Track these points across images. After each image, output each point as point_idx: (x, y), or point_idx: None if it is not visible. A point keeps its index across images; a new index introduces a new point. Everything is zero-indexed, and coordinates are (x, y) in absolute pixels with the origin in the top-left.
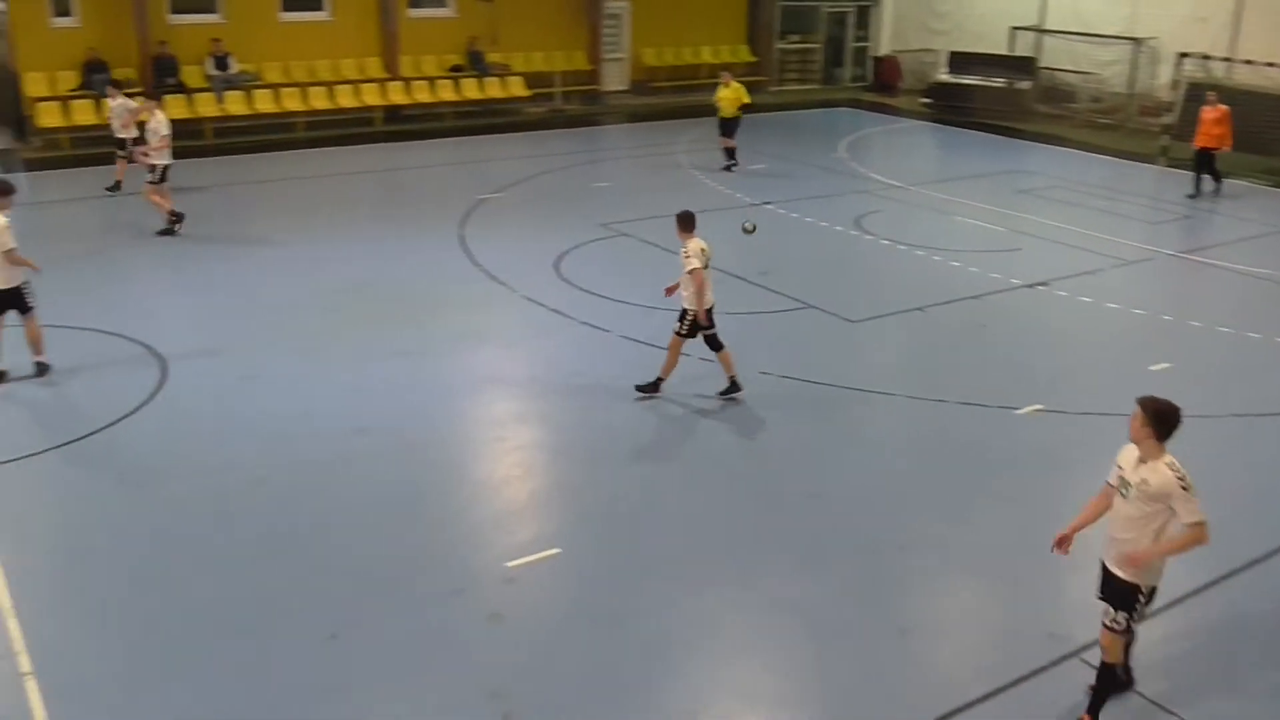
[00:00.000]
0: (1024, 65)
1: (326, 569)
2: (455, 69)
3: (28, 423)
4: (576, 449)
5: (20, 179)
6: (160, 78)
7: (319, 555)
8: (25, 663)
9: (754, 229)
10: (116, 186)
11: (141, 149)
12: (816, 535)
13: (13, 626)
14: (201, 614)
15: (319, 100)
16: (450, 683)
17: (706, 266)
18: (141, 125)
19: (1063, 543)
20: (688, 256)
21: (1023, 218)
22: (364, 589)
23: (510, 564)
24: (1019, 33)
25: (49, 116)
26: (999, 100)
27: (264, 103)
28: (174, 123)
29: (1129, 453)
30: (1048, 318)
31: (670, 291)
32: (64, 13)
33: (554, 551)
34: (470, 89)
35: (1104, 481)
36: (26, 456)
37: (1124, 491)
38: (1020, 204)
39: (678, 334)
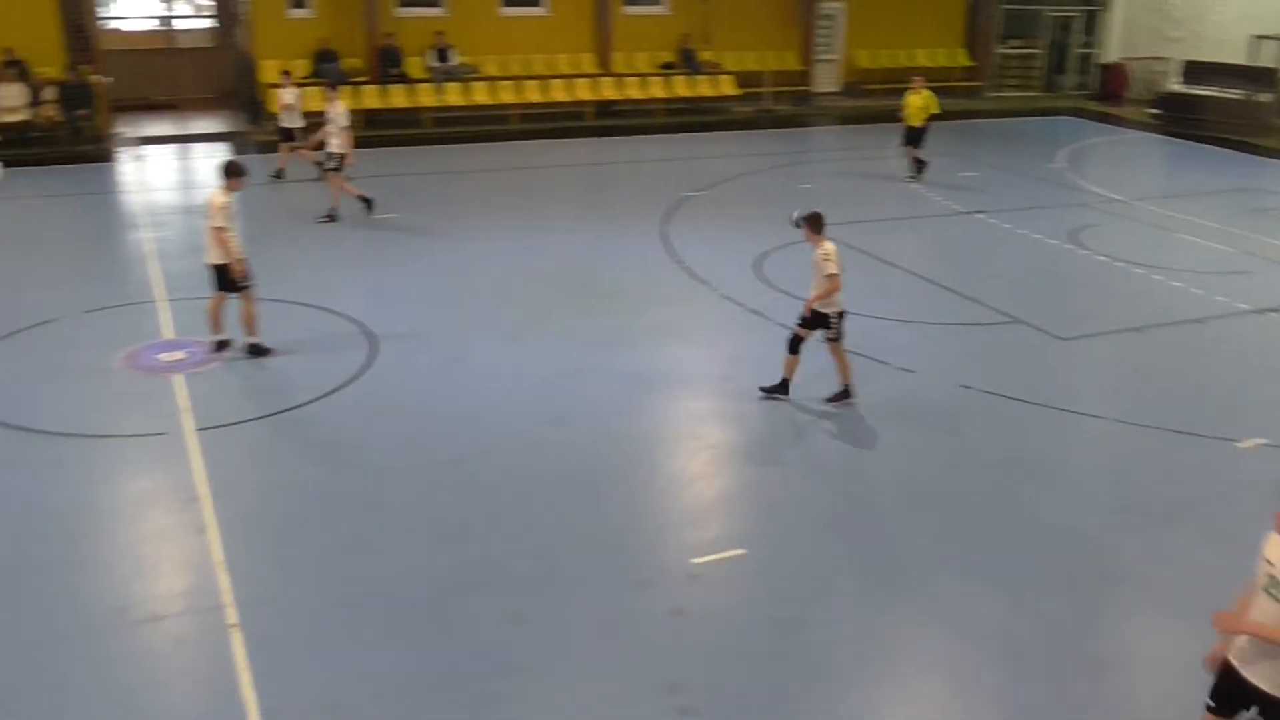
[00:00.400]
0: (1265, 77)
1: (516, 551)
2: (667, 66)
3: (243, 390)
4: (768, 451)
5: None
6: (385, 68)
7: (510, 537)
8: (232, 615)
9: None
10: (279, 174)
11: (316, 138)
12: (1011, 559)
13: (223, 580)
14: (395, 583)
15: (533, 94)
16: (630, 672)
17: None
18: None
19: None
20: (826, 259)
21: (1255, 239)
22: (551, 573)
23: (695, 561)
24: (1263, 42)
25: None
26: (1235, 113)
27: (481, 95)
28: (395, 111)
29: (1277, 545)
30: (1278, 346)
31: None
32: (299, 4)
33: (739, 552)
34: (681, 87)
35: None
36: (242, 422)
37: (1274, 593)
38: (1253, 224)
39: (831, 340)
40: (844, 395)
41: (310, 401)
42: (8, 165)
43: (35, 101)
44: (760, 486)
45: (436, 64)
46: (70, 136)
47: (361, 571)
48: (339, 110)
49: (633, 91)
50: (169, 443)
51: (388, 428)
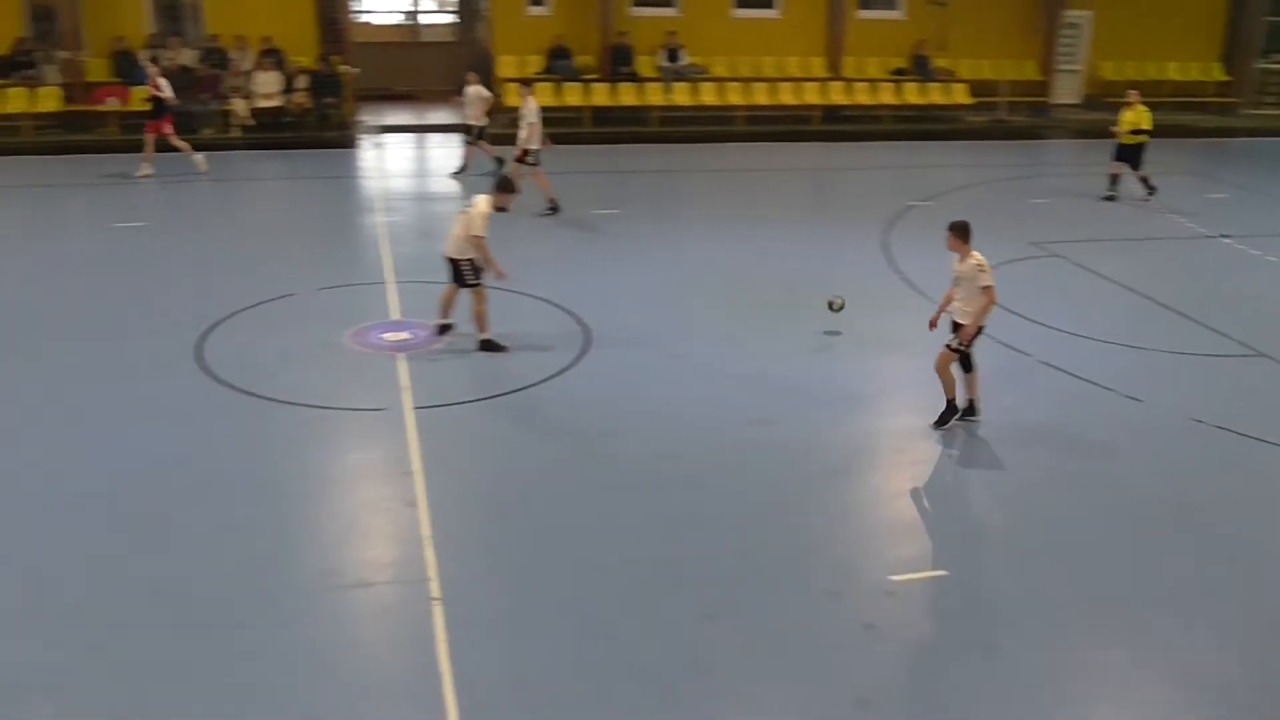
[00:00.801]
0: None
1: (715, 549)
2: (898, 72)
3: (461, 373)
4: (976, 473)
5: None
6: (615, 66)
7: (710, 535)
8: (435, 589)
9: (840, 307)
10: (462, 170)
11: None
12: (1229, 604)
13: (429, 554)
14: (594, 571)
15: (761, 96)
16: (817, 682)
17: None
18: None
19: None
20: (982, 270)
21: None
22: (745, 575)
23: (893, 577)
24: None
25: (514, 96)
26: None
27: (708, 95)
28: (623, 109)
29: None
30: None
31: (935, 325)
32: (538, 2)
33: (940, 573)
34: (911, 94)
35: None
36: (457, 404)
37: None
38: None
39: (952, 349)
40: (969, 411)
41: (526, 388)
42: (262, 148)
43: (289, 89)
44: (965, 508)
45: (666, 64)
46: (318, 122)
47: (562, 557)
48: (531, 106)
49: (862, 97)
50: (388, 418)
51: (599, 420)
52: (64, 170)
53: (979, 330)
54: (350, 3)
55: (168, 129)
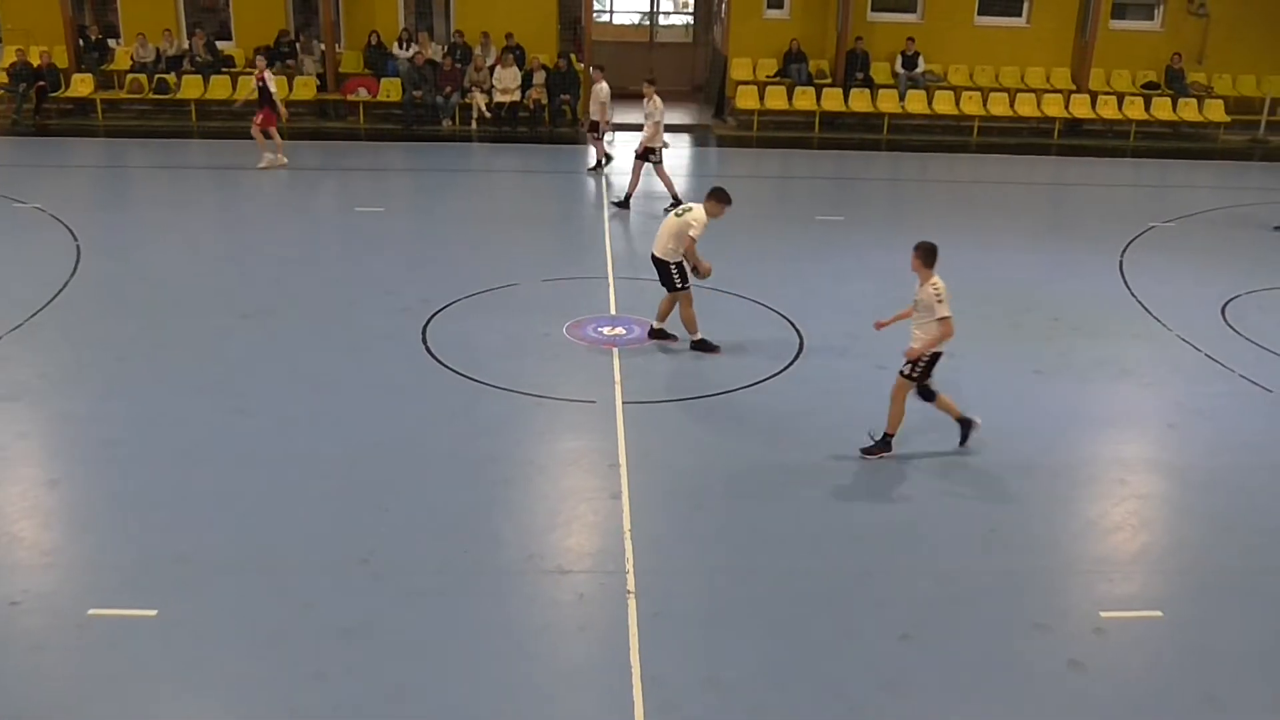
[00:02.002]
0: None
1: (917, 568)
2: (1149, 86)
3: (672, 372)
4: (1206, 511)
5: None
6: (850, 71)
7: (910, 552)
8: (631, 581)
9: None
10: (599, 165)
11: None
12: None
13: (628, 547)
14: (791, 578)
15: (998, 106)
16: (1017, 715)
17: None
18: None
19: None
20: (939, 300)
21: None
22: (946, 597)
23: (1104, 614)
24: None
25: (746, 99)
26: None
27: (944, 104)
28: (856, 115)
29: None
30: None
31: (880, 327)
32: (776, 5)
33: (1155, 614)
34: (1161, 109)
35: None
36: (666, 401)
37: None
38: None
39: (905, 377)
40: (883, 446)
41: (734, 390)
42: (498, 141)
43: (526, 85)
44: (1189, 548)
45: (903, 70)
46: (552, 118)
47: (757, 561)
48: (656, 104)
49: (1107, 111)
50: (598, 411)
51: (805, 425)
52: (315, 155)
53: (934, 357)
54: (593, 2)
55: (266, 120)
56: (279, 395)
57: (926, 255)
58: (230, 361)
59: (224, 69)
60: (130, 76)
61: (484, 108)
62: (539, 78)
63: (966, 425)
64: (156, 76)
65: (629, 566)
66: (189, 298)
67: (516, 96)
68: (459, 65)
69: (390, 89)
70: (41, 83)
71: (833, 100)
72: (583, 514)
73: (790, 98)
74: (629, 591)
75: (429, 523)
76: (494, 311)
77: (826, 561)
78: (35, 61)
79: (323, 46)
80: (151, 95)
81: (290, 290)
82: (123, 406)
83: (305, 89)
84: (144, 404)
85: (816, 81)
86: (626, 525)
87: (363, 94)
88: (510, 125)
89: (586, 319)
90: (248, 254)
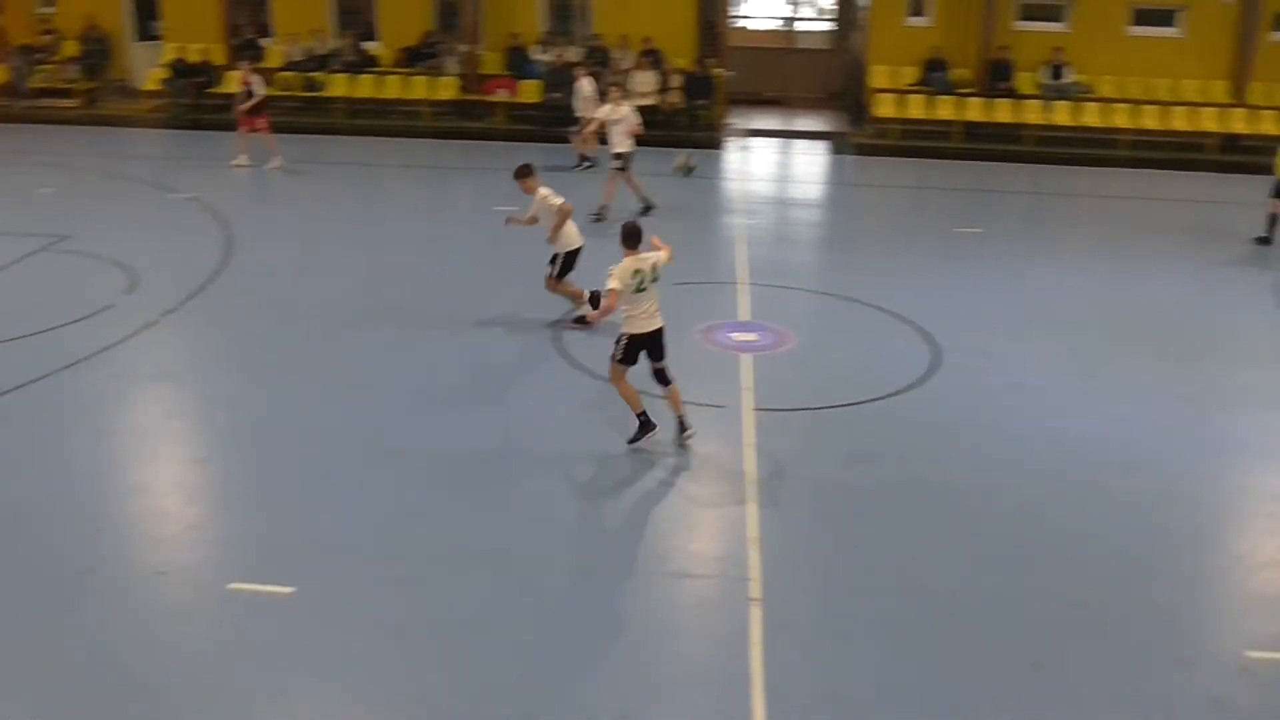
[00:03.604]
0: None
1: (1049, 595)
2: None
3: (804, 380)
4: None
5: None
6: (993, 81)
7: (1045, 578)
8: (755, 589)
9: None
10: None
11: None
12: None
13: (754, 555)
14: (918, 595)
15: (1149, 120)
16: None
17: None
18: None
19: None
20: (611, 275)
21: None
22: (1082, 627)
23: (1251, 654)
24: None
25: (884, 107)
26: None
27: (1091, 116)
28: (997, 126)
29: None
30: None
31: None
32: (918, 12)
33: None
34: None
35: None
36: (797, 409)
37: None
38: None
39: (614, 359)
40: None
41: (866, 402)
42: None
43: (663, 88)
44: None
45: (1049, 80)
46: (688, 123)
47: (884, 577)
48: (623, 112)
49: (1267, 126)
50: (728, 416)
51: (937, 440)
52: (455, 154)
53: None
54: (730, 7)
55: (260, 124)
56: (413, 388)
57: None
58: (365, 354)
59: (369, 69)
60: (281, 74)
61: None
62: (676, 81)
63: (646, 426)
64: (306, 75)
65: (752, 574)
66: (330, 290)
67: (653, 100)
68: (597, 69)
69: (529, 91)
70: (199, 79)
71: (974, 110)
72: (707, 519)
73: (930, 107)
74: (752, 599)
75: (554, 519)
76: None
77: (956, 581)
78: (193, 59)
79: (464, 48)
80: (301, 93)
81: (426, 286)
82: (266, 391)
83: (447, 89)
84: (286, 390)
85: (957, 90)
86: (752, 533)
87: (503, 95)
88: (647, 129)
89: (718, 323)
90: (385, 249)
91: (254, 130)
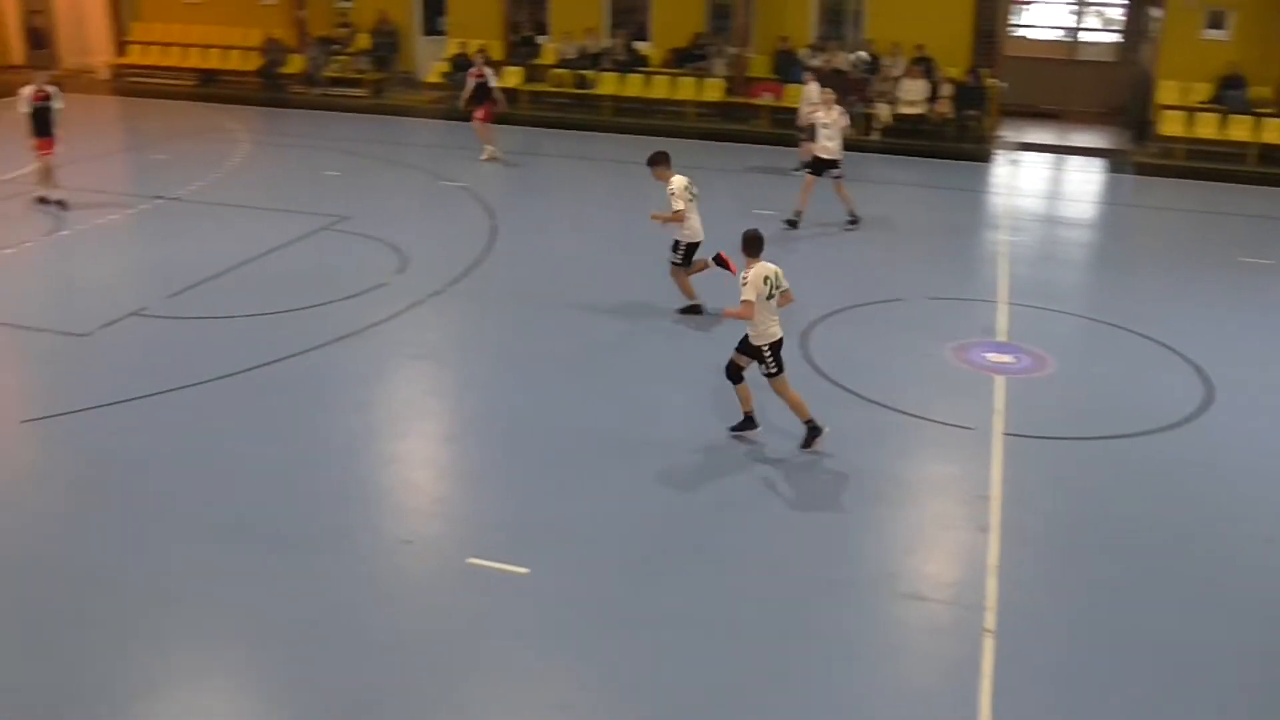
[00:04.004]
0: None
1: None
2: None
3: (1060, 408)
4: None
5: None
6: None
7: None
8: (990, 619)
9: None
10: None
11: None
12: None
13: (992, 584)
14: (1157, 652)
15: None
16: None
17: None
18: None
19: None
20: (745, 284)
21: None
22: None
23: None
24: None
25: (1172, 125)
26: None
27: None
28: None
29: None
30: None
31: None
32: (1216, 25)
33: None
34: None
35: None
36: (1050, 438)
37: None
38: None
39: (768, 376)
40: (812, 435)
41: (1128, 435)
42: (897, 153)
43: (933, 97)
44: None
45: None
46: (956, 133)
47: (1133, 623)
48: (834, 116)
49: None
50: (974, 439)
51: (1201, 483)
52: (717, 155)
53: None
54: (1010, 16)
55: (483, 114)
56: (656, 383)
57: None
58: (613, 346)
59: (639, 68)
60: (554, 71)
61: (887, 119)
62: (946, 90)
63: (749, 422)
64: (577, 72)
65: (989, 604)
66: (586, 282)
67: (922, 109)
68: (866, 75)
69: (795, 95)
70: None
71: (1273, 131)
72: (946, 542)
73: (1223, 126)
74: (985, 630)
75: (788, 526)
76: (875, 325)
77: (1206, 636)
78: (473, 54)
79: (733, 50)
80: (571, 89)
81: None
82: (518, 376)
83: (713, 91)
84: (537, 376)
85: (1255, 110)
86: (991, 561)
87: (768, 98)
88: (911, 138)
89: (973, 342)
90: (642, 245)
91: (482, 120)
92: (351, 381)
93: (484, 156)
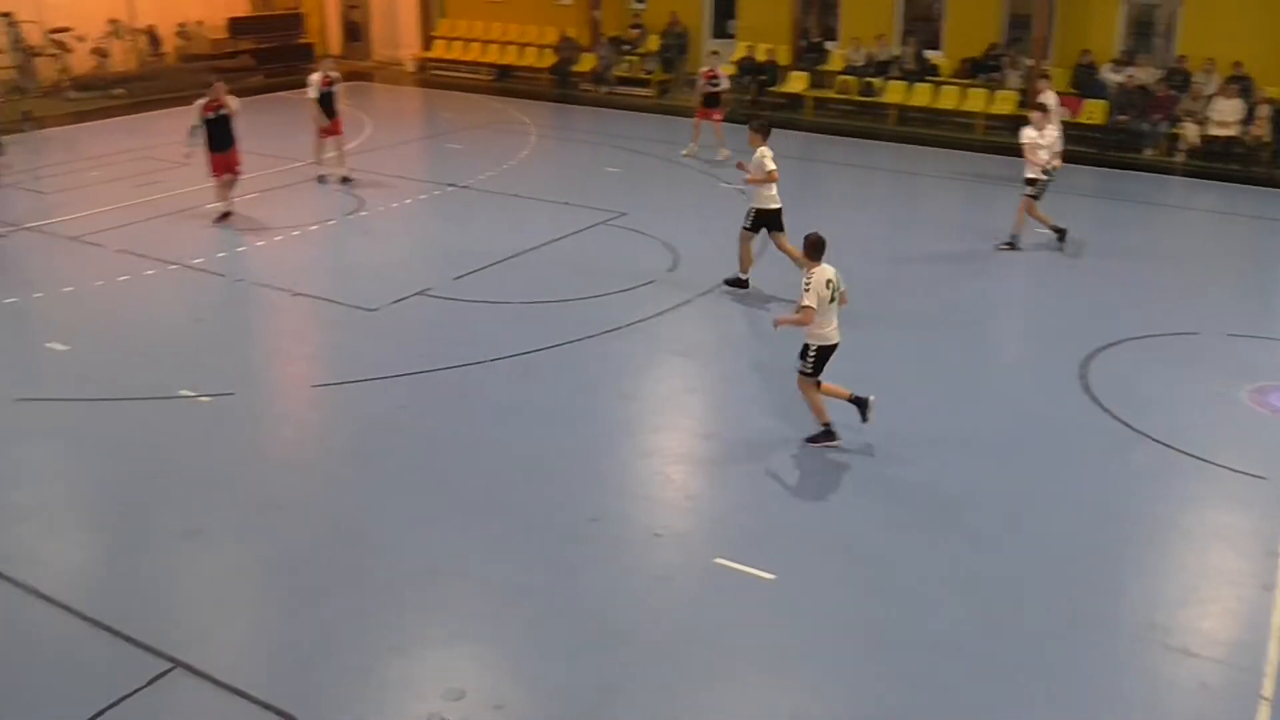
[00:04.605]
0: None
1: None
2: None
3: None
4: None
5: None
6: None
7: None
8: (1268, 687)
9: None
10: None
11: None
12: None
13: (1272, 648)
14: None
15: None
16: None
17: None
18: None
19: None
20: (807, 289)
21: None
22: None
23: None
24: None
25: None
26: None
27: None
28: None
29: None
30: None
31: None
32: None
33: None
34: None
35: None
36: None
37: None
38: None
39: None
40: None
41: None
42: (1203, 177)
43: (1248, 119)
44: None
45: None
46: (1270, 158)
47: None
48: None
49: None
50: (1267, 489)
51: None
52: (999, 168)
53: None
54: None
55: (716, 115)
56: (916, 396)
57: (811, 249)
58: (879, 358)
59: (928, 77)
60: (841, 78)
61: (1194, 140)
62: (1263, 112)
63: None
64: (864, 79)
65: (1269, 669)
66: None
67: (1235, 131)
68: (1174, 92)
69: (1093, 111)
70: (762, 77)
71: None
72: (1224, 597)
73: None
74: (1262, 697)
75: (1044, 562)
76: (1165, 358)
77: None
78: (760, 58)
79: (1029, 62)
80: (857, 97)
81: (950, 300)
82: (776, 381)
83: (1004, 103)
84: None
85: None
86: (1276, 622)
87: (1065, 114)
88: (1221, 161)
89: (1274, 385)
90: (912, 257)
91: (710, 120)
92: (616, 373)
93: (684, 153)
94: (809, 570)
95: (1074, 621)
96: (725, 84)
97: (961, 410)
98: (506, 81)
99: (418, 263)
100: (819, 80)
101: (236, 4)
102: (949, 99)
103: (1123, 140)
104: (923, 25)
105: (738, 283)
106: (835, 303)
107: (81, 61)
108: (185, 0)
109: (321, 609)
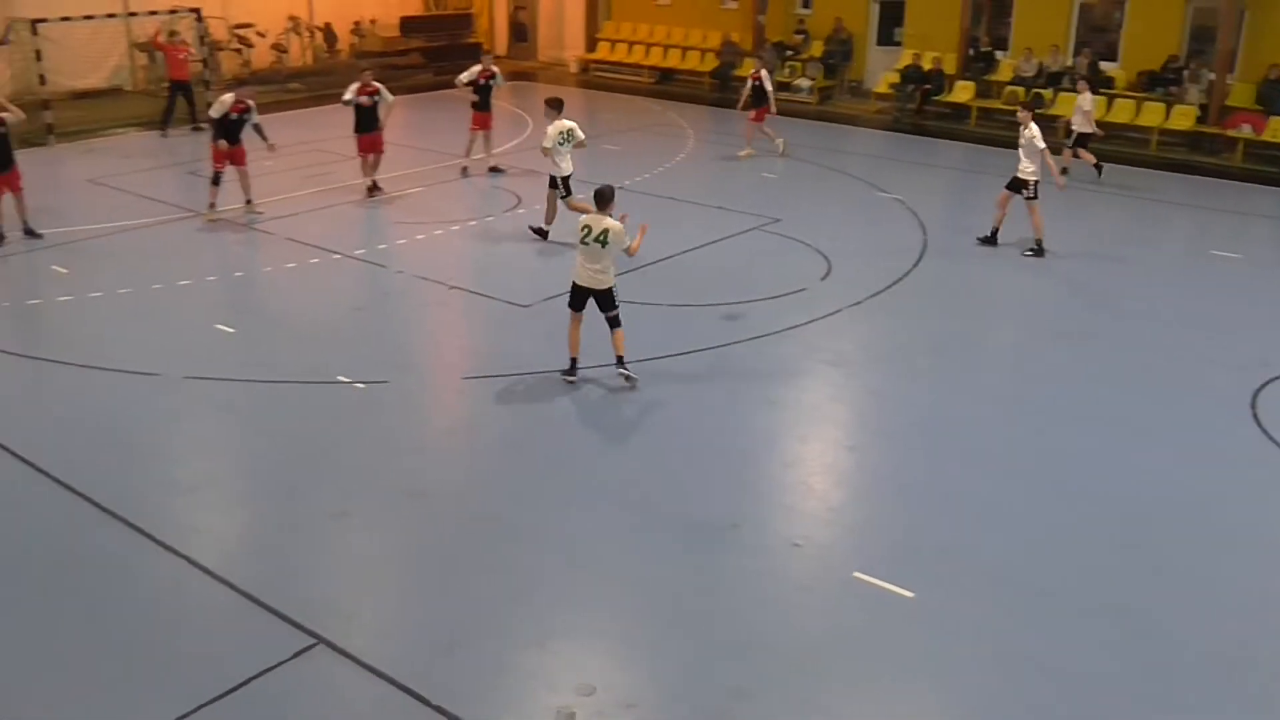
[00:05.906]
0: None
1: None
2: None
3: None
4: None
5: None
6: None
7: None
8: None
9: None
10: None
11: None
12: None
13: None
14: None
15: None
16: None
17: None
18: None
19: None
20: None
21: None
22: None
23: None
24: None
25: None
26: None
27: None
28: None
29: None
30: None
31: None
32: None
33: None
34: None
35: None
36: None
37: None
38: None
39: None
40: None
41: None
42: None
43: None
44: None
45: None
46: None
47: None
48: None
49: None
50: None
51: None
52: (1177, 188)
53: None
54: None
55: (755, 116)
56: (1068, 421)
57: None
58: (1033, 377)
59: (1102, 90)
60: (1009, 88)
61: None
62: None
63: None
64: (1033, 90)
65: None
66: (1011, 306)
67: None
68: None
69: (1277, 129)
70: (927, 85)
71: None
72: None
73: None
74: None
75: (1200, 595)
76: None
77: None
78: (926, 66)
79: (1212, 76)
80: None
81: (1115, 319)
82: (926, 394)
83: (1182, 119)
84: (944, 397)
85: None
86: None
87: (1245, 130)
88: None
89: None
90: (1076, 276)
91: (754, 120)
92: (763, 380)
93: (742, 154)
94: (949, 588)
95: (1230, 659)
96: (769, 85)
97: (1113, 428)
98: (667, 84)
99: (570, 261)
100: (986, 90)
101: (410, 3)
102: (1123, 113)
103: None
104: (1099, 35)
105: (540, 232)
106: (587, 247)
107: (261, 57)
108: None
109: (461, 596)
